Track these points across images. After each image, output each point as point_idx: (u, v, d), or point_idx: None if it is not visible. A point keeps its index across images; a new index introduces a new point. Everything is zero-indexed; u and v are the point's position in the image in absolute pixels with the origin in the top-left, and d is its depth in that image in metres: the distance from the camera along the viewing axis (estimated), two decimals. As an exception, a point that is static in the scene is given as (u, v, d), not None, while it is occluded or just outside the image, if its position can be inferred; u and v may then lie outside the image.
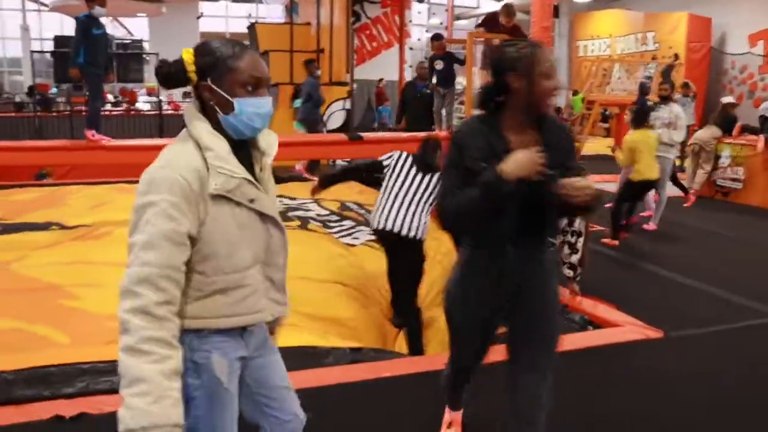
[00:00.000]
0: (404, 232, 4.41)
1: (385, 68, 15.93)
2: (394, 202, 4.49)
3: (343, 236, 6.11)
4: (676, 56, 16.41)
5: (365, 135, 7.55)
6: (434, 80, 8.79)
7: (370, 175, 4.88)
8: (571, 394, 3.24)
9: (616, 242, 6.85)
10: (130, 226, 1.64)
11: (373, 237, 5.92)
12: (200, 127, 1.73)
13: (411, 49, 15.28)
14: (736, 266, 6.19)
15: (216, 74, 1.71)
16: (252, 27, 12.83)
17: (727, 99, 11.89)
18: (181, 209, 1.62)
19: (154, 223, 1.60)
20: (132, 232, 1.63)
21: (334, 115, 11.02)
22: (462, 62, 8.72)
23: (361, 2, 20.63)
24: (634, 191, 6.91)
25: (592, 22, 20.23)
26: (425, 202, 4.49)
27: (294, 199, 7.55)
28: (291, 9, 13.44)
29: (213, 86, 1.72)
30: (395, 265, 4.67)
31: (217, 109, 1.73)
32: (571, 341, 4.11)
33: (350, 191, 8.00)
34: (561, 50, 22.14)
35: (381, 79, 15.77)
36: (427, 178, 4.55)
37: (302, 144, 7.10)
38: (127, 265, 1.61)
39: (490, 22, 8.27)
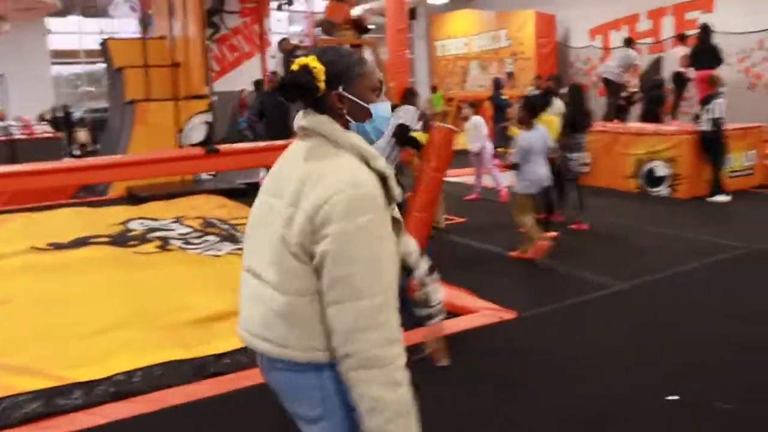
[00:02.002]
0: None
1: (249, 78, 15.78)
2: None
3: (206, 251, 6.05)
4: (513, 54, 17.45)
5: (223, 147, 7.47)
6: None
7: None
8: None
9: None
10: (332, 254, 1.46)
11: (237, 247, 5.95)
12: (354, 137, 1.61)
13: (273, 57, 15.22)
14: (586, 244, 6.65)
15: (348, 81, 1.62)
16: (105, 43, 12.35)
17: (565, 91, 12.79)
18: (388, 226, 1.54)
19: (374, 251, 1.48)
20: (343, 262, 1.46)
21: (195, 129, 10.83)
22: None
23: (219, 13, 20.33)
24: None
25: (448, 22, 20.93)
26: None
27: (155, 219, 7.37)
28: (146, 23, 13.06)
29: (346, 94, 1.62)
30: None
31: (349, 118, 1.64)
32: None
33: (213, 207, 7.91)
34: (420, 50, 22.75)
35: (242, 90, 15.62)
36: None
37: (158, 161, 6.93)
38: (346, 297, 1.46)
39: (325, 22, 8.70)
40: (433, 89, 17.65)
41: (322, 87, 1.60)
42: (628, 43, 11.13)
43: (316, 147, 1.61)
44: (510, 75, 17.18)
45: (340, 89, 1.62)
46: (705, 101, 9.45)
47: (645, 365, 3.78)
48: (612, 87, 11.00)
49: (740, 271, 5.64)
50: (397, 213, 1.67)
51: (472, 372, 3.76)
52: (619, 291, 5.19)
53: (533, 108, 6.17)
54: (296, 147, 1.68)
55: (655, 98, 11.29)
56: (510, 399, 3.46)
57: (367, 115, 1.66)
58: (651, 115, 11.20)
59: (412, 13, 21.43)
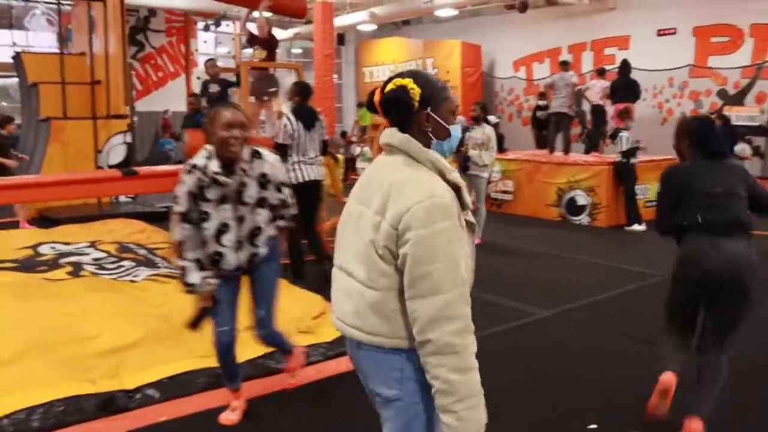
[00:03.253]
0: None
1: (174, 98, 15.45)
2: None
3: (121, 277, 5.77)
4: (445, 82, 17.68)
5: (142, 169, 7.21)
6: (204, 103, 9.03)
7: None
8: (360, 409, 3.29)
9: None
10: (412, 255, 1.71)
11: (155, 273, 5.73)
12: (432, 153, 1.85)
13: (198, 78, 14.94)
14: (508, 271, 6.72)
15: (436, 103, 1.86)
16: (18, 56, 11.82)
17: (492, 119, 13.03)
18: (461, 230, 1.78)
19: (449, 252, 1.71)
20: (423, 262, 1.70)
21: (114, 150, 10.45)
22: (236, 84, 8.83)
23: (144, 31, 19.87)
24: None
25: (376, 49, 21.13)
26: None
27: (68, 243, 7.01)
28: (64, 38, 12.59)
29: (433, 114, 1.86)
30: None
31: (431, 136, 1.87)
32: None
33: (131, 232, 7.61)
34: (348, 76, 22.87)
35: (166, 111, 15.27)
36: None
37: (72, 182, 6.62)
38: (427, 292, 1.70)
39: (250, 39, 8.76)
40: (360, 105, 17.72)
41: (416, 106, 1.83)
42: (565, 65, 11.38)
43: (399, 162, 1.86)
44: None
45: (429, 110, 1.86)
46: (613, 134, 9.83)
47: (567, 393, 3.80)
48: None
49: (656, 299, 5.78)
50: (470, 217, 1.88)
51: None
52: (542, 318, 5.24)
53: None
54: (383, 160, 1.93)
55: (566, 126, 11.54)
56: None
57: (447, 134, 1.90)
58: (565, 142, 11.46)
59: (341, 39, 21.68)
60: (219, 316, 3.30)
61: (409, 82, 1.83)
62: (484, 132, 7.91)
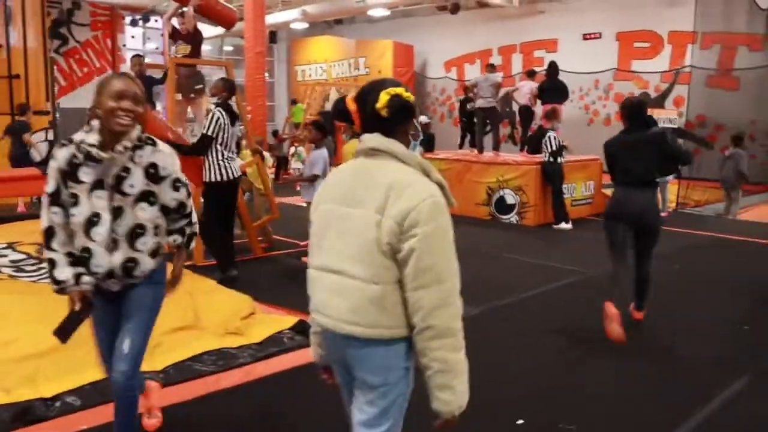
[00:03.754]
0: None
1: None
2: None
3: (41, 279, 5.55)
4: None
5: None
6: None
7: None
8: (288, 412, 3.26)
9: None
10: (419, 249, 1.84)
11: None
12: (416, 155, 2.04)
13: (125, 74, 14.55)
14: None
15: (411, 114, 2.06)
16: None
17: (423, 119, 13.17)
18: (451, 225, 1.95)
19: (448, 245, 1.92)
20: (427, 255, 1.86)
21: (38, 147, 10.05)
22: (162, 81, 8.65)
23: (67, 24, 19.16)
24: None
25: (308, 47, 21.03)
26: None
27: (-17, 243, 6.70)
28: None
29: (414, 119, 2.07)
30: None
31: (411, 138, 2.07)
32: (283, 361, 4.18)
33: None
34: (281, 74, 22.67)
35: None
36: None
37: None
38: (431, 282, 1.86)
39: (173, 34, 8.65)
40: (294, 101, 17.55)
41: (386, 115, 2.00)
42: (492, 67, 11.55)
43: (386, 164, 1.97)
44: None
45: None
46: (539, 135, 10.08)
47: (493, 389, 3.86)
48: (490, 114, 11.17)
49: (580, 295, 5.97)
50: None
51: (329, 401, 3.67)
52: (469, 316, 5.30)
53: (322, 128, 7.18)
54: (363, 164, 2.02)
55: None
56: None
57: (417, 135, 2.09)
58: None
59: (273, 37, 21.46)
60: (100, 344, 2.85)
61: (401, 91, 2.00)
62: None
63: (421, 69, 19.72)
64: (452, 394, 1.89)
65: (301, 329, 4.61)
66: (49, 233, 2.61)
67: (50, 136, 10.31)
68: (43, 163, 9.60)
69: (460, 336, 1.91)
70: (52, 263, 2.60)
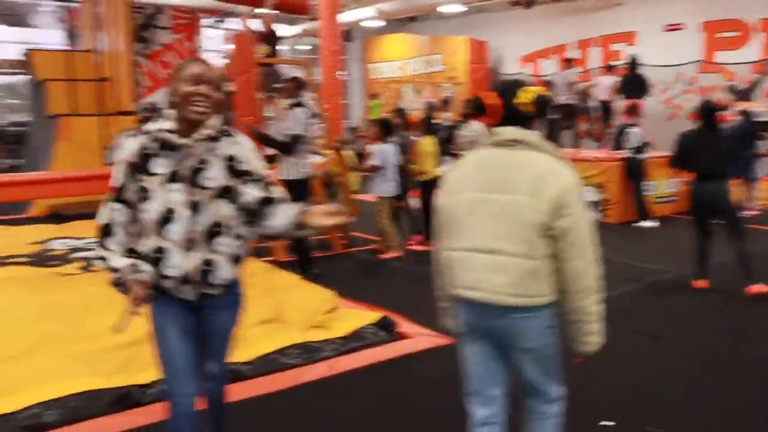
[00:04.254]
0: None
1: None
2: None
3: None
4: (452, 79, 17.74)
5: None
6: None
7: None
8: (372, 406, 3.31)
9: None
10: (572, 227, 2.18)
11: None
12: (549, 144, 2.36)
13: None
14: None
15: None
16: (28, 54, 11.87)
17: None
18: None
19: (589, 222, 2.24)
20: (579, 230, 2.20)
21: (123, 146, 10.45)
22: None
23: (150, 28, 19.87)
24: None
25: (382, 45, 21.10)
26: None
27: (79, 238, 7.04)
28: (72, 35, 12.64)
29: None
30: None
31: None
32: (365, 357, 4.23)
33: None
34: (355, 72, 22.83)
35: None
36: None
37: (82, 179, 6.64)
38: (581, 253, 2.22)
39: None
40: (373, 96, 17.60)
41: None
42: (569, 62, 11.39)
43: (526, 153, 2.25)
44: (448, 100, 17.37)
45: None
46: (620, 131, 9.80)
47: (579, 390, 3.78)
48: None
49: (666, 295, 5.79)
50: None
51: (412, 397, 3.69)
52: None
53: (385, 126, 7.54)
54: (499, 154, 2.29)
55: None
56: (452, 425, 3.40)
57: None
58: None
59: (347, 35, 21.64)
60: (167, 343, 2.47)
61: (542, 90, 2.36)
62: (473, 129, 7.81)
63: (495, 65, 19.49)
64: (597, 335, 2.33)
65: (384, 325, 4.65)
66: (105, 231, 2.36)
67: (135, 136, 10.70)
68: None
69: (600, 293, 2.30)
70: (103, 258, 2.36)
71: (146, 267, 2.33)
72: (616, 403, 3.64)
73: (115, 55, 10.60)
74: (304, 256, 6.17)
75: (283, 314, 4.65)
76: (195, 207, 2.34)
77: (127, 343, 4.05)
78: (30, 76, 12.07)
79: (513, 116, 2.29)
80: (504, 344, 2.33)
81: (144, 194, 2.33)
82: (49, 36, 18.01)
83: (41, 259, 6.15)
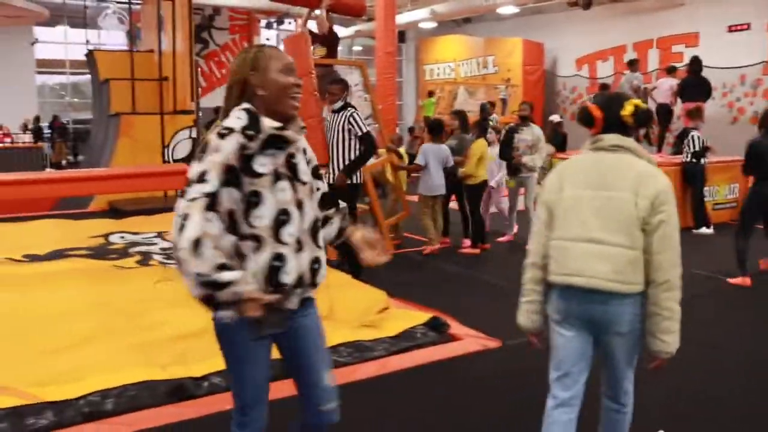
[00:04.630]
0: None
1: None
2: None
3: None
4: (508, 81, 17.57)
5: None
6: None
7: None
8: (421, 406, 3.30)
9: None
10: (665, 222, 2.41)
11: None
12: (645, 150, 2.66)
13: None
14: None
15: None
16: (91, 54, 12.24)
17: (555, 118, 12.83)
18: None
19: (678, 220, 2.47)
20: (670, 226, 2.42)
21: (180, 144, 10.70)
22: None
23: (208, 29, 20.26)
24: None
25: (436, 46, 21.08)
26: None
27: (137, 233, 7.24)
28: (134, 35, 12.99)
29: None
30: None
31: None
32: (416, 357, 4.23)
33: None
34: (409, 73, 22.87)
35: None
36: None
37: (141, 176, 6.83)
38: (670, 248, 2.41)
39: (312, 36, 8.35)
40: (430, 93, 17.52)
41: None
42: (632, 65, 11.27)
43: (627, 157, 2.53)
44: (504, 101, 17.24)
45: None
46: (681, 135, 9.54)
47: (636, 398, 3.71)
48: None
49: (721, 303, 5.63)
50: None
51: (461, 399, 3.68)
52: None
53: (434, 129, 7.67)
54: (602, 157, 2.55)
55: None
56: (499, 427, 3.38)
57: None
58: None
59: (401, 36, 21.70)
60: (257, 389, 2.25)
61: (641, 103, 2.59)
62: (533, 133, 7.81)
63: (551, 67, 19.26)
64: (673, 336, 2.43)
65: (435, 325, 4.64)
66: (196, 246, 1.90)
67: (194, 134, 10.93)
68: (188, 159, 10.22)
69: (680, 290, 2.42)
70: (205, 277, 1.89)
71: (251, 279, 2.03)
72: (672, 412, 3.55)
73: (176, 55, 10.85)
74: (353, 258, 6.18)
75: (335, 312, 4.68)
76: (300, 205, 2.17)
77: (181, 335, 4.17)
78: (93, 76, 12.43)
79: (614, 125, 2.56)
80: (598, 329, 2.51)
81: (256, 199, 2.07)
82: (112, 37, 18.59)
83: (101, 253, 6.35)
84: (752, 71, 14.99)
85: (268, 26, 19.98)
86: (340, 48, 9.67)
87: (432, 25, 19.80)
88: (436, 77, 20.57)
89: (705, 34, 15.60)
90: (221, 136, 2.04)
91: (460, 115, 8.19)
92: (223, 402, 3.51)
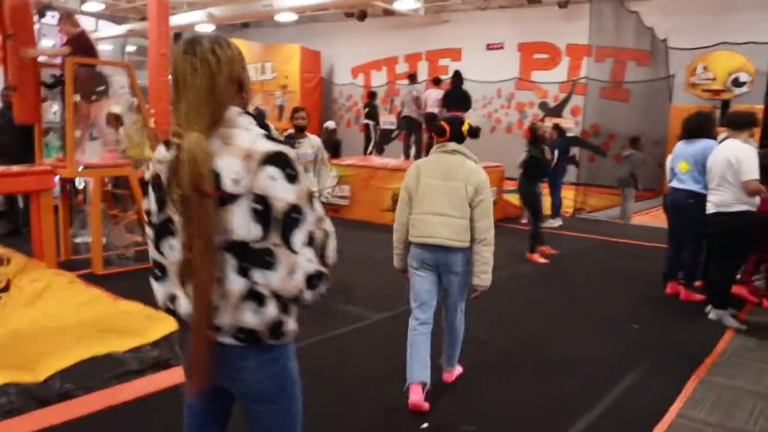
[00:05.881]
0: None
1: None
2: None
3: None
4: (285, 87, 17.75)
5: None
6: None
7: None
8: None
9: None
10: (482, 201, 3.60)
11: None
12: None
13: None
14: (341, 277, 6.65)
15: None
16: None
17: (330, 124, 13.23)
18: None
19: (491, 203, 3.73)
20: (486, 203, 3.63)
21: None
22: (54, 86, 7.85)
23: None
24: None
25: (214, 50, 20.60)
26: None
27: None
28: None
29: None
30: None
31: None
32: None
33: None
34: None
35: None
36: None
37: None
38: (487, 216, 3.63)
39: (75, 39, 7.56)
40: None
41: None
42: (413, 78, 12.12)
43: (461, 158, 3.68)
44: (281, 108, 17.30)
45: None
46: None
47: (400, 393, 3.89)
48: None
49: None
50: None
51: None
52: (377, 321, 5.34)
53: None
54: (446, 157, 3.70)
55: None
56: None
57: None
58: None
59: (177, 38, 20.89)
60: None
61: (470, 122, 3.84)
62: (312, 144, 6.30)
63: (328, 74, 19.73)
64: (488, 276, 3.65)
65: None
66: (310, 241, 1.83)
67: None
68: None
69: (493, 245, 3.63)
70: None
71: None
72: (436, 405, 3.77)
73: None
74: None
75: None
76: None
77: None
78: None
79: (455, 136, 3.72)
80: (442, 271, 3.72)
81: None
82: None
83: None
84: (507, 86, 16.59)
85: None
86: (110, 47, 8.95)
87: (210, 28, 19.32)
88: (214, 81, 20.10)
89: (467, 50, 16.96)
90: (287, 143, 1.80)
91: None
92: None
